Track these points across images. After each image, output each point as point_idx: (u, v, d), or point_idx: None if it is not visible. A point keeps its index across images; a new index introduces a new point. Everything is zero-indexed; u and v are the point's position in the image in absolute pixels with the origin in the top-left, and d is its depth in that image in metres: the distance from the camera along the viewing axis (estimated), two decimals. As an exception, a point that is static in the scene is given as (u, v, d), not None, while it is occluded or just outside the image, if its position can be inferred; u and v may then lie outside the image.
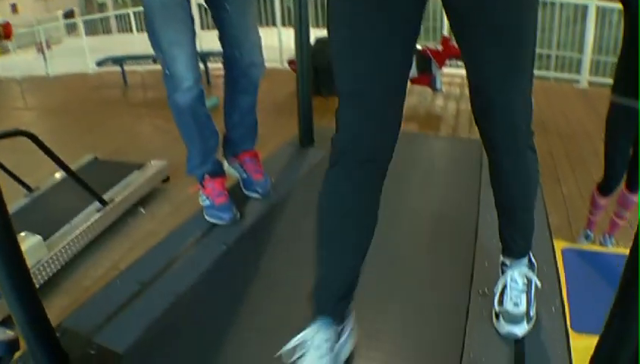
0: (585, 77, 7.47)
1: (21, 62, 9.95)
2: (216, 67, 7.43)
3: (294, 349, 1.32)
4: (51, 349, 1.37)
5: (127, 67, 7.71)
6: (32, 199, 3.96)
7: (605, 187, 3.27)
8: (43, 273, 3.12)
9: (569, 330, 1.55)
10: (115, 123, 6.21)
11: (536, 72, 7.07)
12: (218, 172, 2.24)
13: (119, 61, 7.62)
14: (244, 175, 2.38)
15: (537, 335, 1.50)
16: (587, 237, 3.53)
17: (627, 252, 2.57)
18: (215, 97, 6.82)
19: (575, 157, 4.96)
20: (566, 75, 7.74)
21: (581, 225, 3.66)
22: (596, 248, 3.22)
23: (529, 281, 1.56)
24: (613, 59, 7.32)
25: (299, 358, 1.31)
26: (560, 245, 2.63)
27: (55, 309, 2.70)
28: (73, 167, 3.68)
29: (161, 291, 1.71)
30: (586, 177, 4.51)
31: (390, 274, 1.81)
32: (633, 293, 0.78)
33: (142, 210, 4.13)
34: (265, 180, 2.37)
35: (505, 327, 1.49)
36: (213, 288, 1.76)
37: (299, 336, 1.34)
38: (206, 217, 2.17)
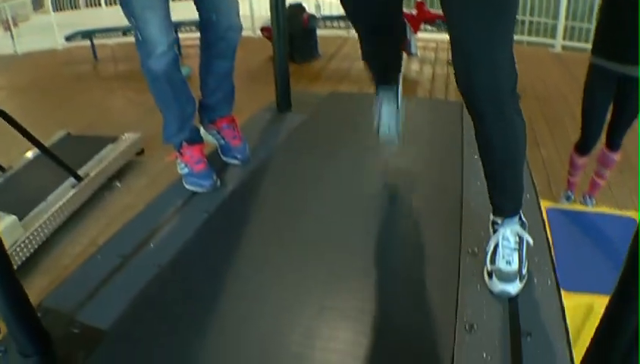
0: (559, 42, 7.50)
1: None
2: (186, 36, 7.33)
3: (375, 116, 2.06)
4: (32, 330, 1.31)
5: (96, 41, 7.54)
6: (5, 178, 3.87)
7: (583, 147, 3.31)
8: (20, 254, 3.06)
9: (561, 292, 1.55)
10: (87, 98, 6.08)
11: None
12: (195, 139, 2.17)
13: (88, 34, 7.44)
14: (222, 142, 2.33)
15: (530, 293, 1.49)
16: (568, 199, 3.57)
17: (610, 211, 2.60)
18: (187, 67, 6.72)
19: (553, 120, 5.00)
20: (540, 39, 7.75)
21: (562, 187, 3.70)
22: (579, 207, 3.25)
23: (521, 239, 1.55)
24: (586, 25, 7.39)
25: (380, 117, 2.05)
26: (544, 205, 2.64)
27: (35, 290, 2.64)
28: (45, 144, 3.60)
29: (143, 263, 1.65)
30: (564, 140, 4.55)
31: (379, 237, 1.79)
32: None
33: (117, 184, 4.07)
34: (244, 145, 2.33)
35: (498, 286, 1.47)
36: (197, 257, 1.72)
37: (376, 103, 2.06)
38: (186, 185, 2.11)
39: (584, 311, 2.09)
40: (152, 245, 1.76)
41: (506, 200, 1.58)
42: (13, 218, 3.06)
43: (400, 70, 2.05)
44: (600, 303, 2.07)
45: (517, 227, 1.56)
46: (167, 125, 2.13)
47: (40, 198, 3.47)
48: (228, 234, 1.84)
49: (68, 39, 7.59)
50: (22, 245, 3.07)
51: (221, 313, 1.47)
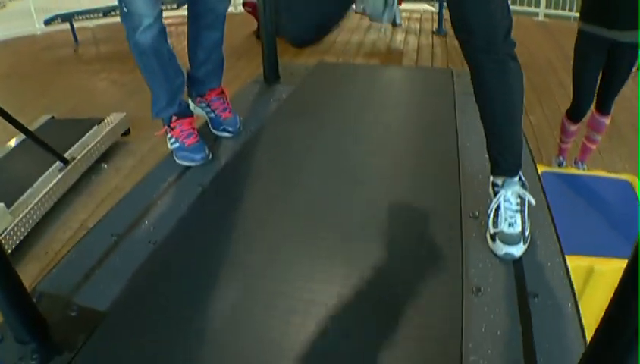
0: (542, 10, 7.49)
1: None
2: (167, 15, 7.22)
3: None
4: (28, 316, 1.27)
5: (76, 24, 7.38)
6: (-11, 166, 3.77)
7: (575, 113, 3.31)
8: (10, 241, 2.99)
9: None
10: (69, 82, 5.97)
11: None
12: (185, 113, 2.14)
13: (68, 17, 7.27)
14: (212, 114, 2.31)
15: (534, 255, 1.49)
16: (560, 165, 3.58)
17: (604, 174, 2.59)
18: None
19: (541, 88, 5.00)
20: (525, 8, 7.72)
21: (552, 153, 3.71)
22: (573, 171, 3.25)
23: (522, 200, 1.54)
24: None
25: None
26: (539, 168, 2.64)
27: (27, 277, 2.57)
28: (30, 128, 3.51)
29: (138, 241, 1.62)
30: (553, 107, 4.56)
31: (376, 205, 1.77)
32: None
33: (104, 166, 4.00)
34: (234, 117, 2.31)
35: (502, 249, 1.46)
36: (193, 231, 1.69)
37: None
38: (177, 160, 2.08)
39: (584, 273, 2.09)
40: (146, 222, 1.72)
41: (505, 154, 1.56)
42: (0, 205, 2.99)
43: None
44: (599, 265, 2.09)
45: (518, 188, 1.55)
46: (155, 100, 2.09)
47: (27, 184, 3.39)
48: (222, 207, 1.81)
49: (47, 22, 7.42)
50: (11, 232, 3.01)
51: (223, 284, 1.45)
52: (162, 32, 1.93)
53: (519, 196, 1.54)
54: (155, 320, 1.34)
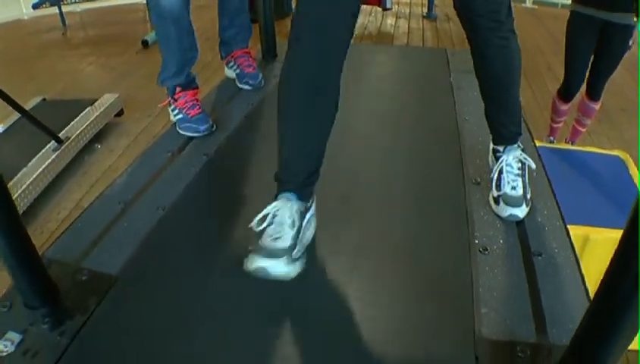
0: (529, -3, 7.57)
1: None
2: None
3: (262, 219, 1.30)
4: (39, 281, 1.27)
5: (64, 8, 7.30)
6: (-17, 147, 3.73)
7: (566, 93, 3.36)
8: (6, 221, 2.97)
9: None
10: (59, 67, 5.91)
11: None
12: (190, 85, 2.17)
13: (56, 1, 7.19)
14: (237, 70, 2.50)
15: (535, 217, 1.54)
16: (551, 144, 3.62)
17: (596, 150, 2.64)
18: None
19: (530, 71, 5.05)
20: (512, -5, 7.77)
21: (542, 133, 3.76)
22: (566, 146, 3.31)
23: (523, 165, 1.58)
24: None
25: (266, 227, 1.29)
26: (535, 144, 2.69)
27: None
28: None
29: (146, 207, 1.63)
30: (542, 89, 4.63)
31: (384, 176, 1.82)
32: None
33: (98, 146, 3.98)
34: (256, 73, 2.49)
35: (506, 210, 1.51)
36: (200, 197, 1.72)
37: (267, 208, 1.32)
38: (180, 131, 2.09)
39: (581, 241, 2.14)
40: (153, 189, 1.73)
41: (506, 122, 1.61)
42: (-5, 185, 2.97)
43: (320, 162, 1.44)
44: (595, 234, 2.14)
45: (519, 153, 1.59)
46: (164, 67, 2.12)
47: (22, 164, 3.36)
48: (228, 175, 1.84)
49: (35, 7, 7.33)
50: (6, 212, 2.99)
51: (226, 250, 1.47)
52: (186, 3, 2.00)
53: (520, 161, 1.59)
54: (166, 282, 1.36)
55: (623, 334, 0.87)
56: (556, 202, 1.62)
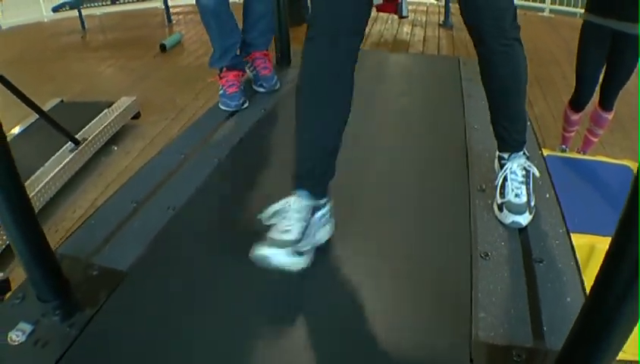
0: (548, 6, 7.52)
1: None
2: (176, 3, 7.37)
3: (273, 214, 1.40)
4: (52, 275, 1.32)
5: (84, 12, 7.41)
6: (0, 148, 3.80)
7: (576, 103, 3.36)
8: (22, 219, 3.02)
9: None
10: (77, 69, 6.00)
11: None
12: (235, 66, 2.48)
13: (76, 4, 7.31)
14: (254, 72, 2.62)
15: (538, 224, 1.55)
16: (562, 152, 3.62)
17: (606, 159, 2.65)
18: (178, 33, 6.67)
19: (545, 81, 5.04)
20: (530, 4, 7.75)
21: (555, 143, 3.75)
22: (576, 155, 3.31)
23: (527, 172, 1.60)
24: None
25: (276, 222, 1.38)
26: (543, 152, 2.69)
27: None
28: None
29: (157, 207, 1.68)
30: (556, 99, 4.61)
31: (390, 179, 1.86)
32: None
33: (114, 147, 4.04)
34: (272, 76, 2.60)
35: (509, 217, 1.52)
36: (210, 199, 1.76)
37: (278, 202, 1.41)
38: (219, 105, 2.42)
39: (586, 250, 2.14)
40: (165, 189, 1.77)
41: (510, 130, 1.62)
42: (12, 183, 3.03)
43: (334, 164, 1.50)
44: (601, 243, 2.15)
45: (523, 161, 1.61)
46: (213, 53, 2.48)
47: (39, 164, 3.42)
48: (238, 178, 1.89)
49: (55, 10, 7.45)
50: (23, 210, 3.05)
51: (234, 250, 1.49)
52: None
53: (525, 169, 1.60)
54: (173, 279, 1.40)
55: (614, 339, 0.89)
56: (560, 210, 1.64)
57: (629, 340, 1.90)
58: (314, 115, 1.45)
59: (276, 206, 1.40)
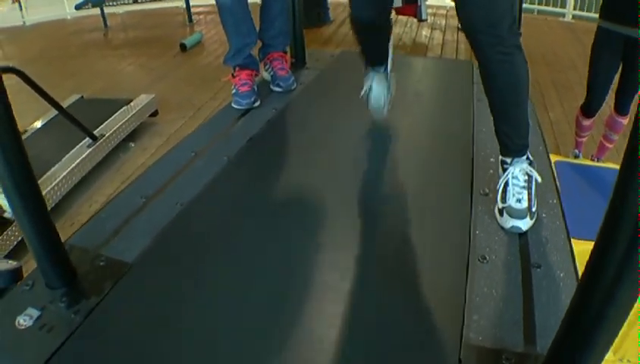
0: (569, 11, 7.45)
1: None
2: (197, 3, 7.42)
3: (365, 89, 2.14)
4: (60, 264, 1.37)
5: (106, 10, 7.53)
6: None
7: (588, 109, 3.35)
8: (38, 211, 3.08)
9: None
10: (98, 66, 6.10)
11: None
12: (248, 66, 2.52)
13: (99, 3, 7.42)
14: (271, 73, 2.65)
15: (539, 231, 1.55)
16: (576, 157, 3.61)
17: (616, 166, 2.63)
18: (198, 33, 6.74)
19: (562, 86, 5.01)
20: (550, 8, 7.70)
21: (569, 149, 3.74)
22: (587, 162, 3.29)
23: (530, 177, 1.60)
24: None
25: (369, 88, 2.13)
26: (553, 158, 2.68)
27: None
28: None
29: (166, 202, 1.72)
30: (572, 104, 4.56)
31: (394, 180, 1.90)
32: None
33: (132, 144, 4.11)
34: (289, 76, 2.63)
35: (509, 222, 1.53)
36: (218, 196, 1.80)
37: (366, 80, 2.17)
38: (232, 104, 2.47)
39: (592, 258, 2.14)
40: (173, 186, 1.82)
41: (512, 136, 1.62)
42: (30, 176, 3.09)
43: (388, 57, 2.19)
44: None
45: (525, 166, 1.61)
46: (228, 50, 2.54)
47: (57, 158, 3.51)
48: (245, 177, 1.92)
49: (78, 7, 7.57)
50: (39, 203, 3.11)
51: (238, 248, 1.53)
52: None
53: (527, 174, 1.60)
54: (176, 272, 1.44)
55: (598, 343, 0.90)
56: (563, 217, 1.63)
57: (629, 345, 1.90)
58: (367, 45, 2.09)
59: (366, 83, 2.16)
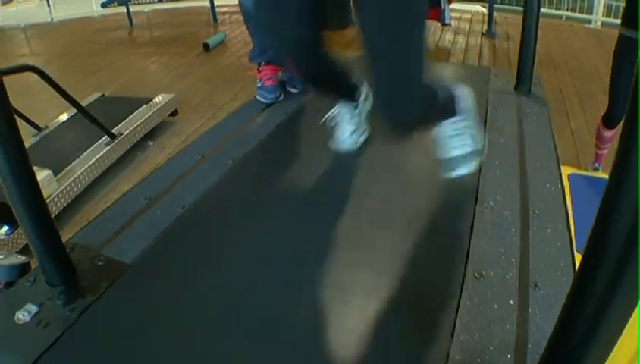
0: (597, 18, 7.32)
1: (24, 11, 9.76)
2: (222, 3, 7.46)
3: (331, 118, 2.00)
4: (60, 262, 1.42)
5: (132, 8, 7.63)
6: (41, 137, 3.96)
7: (609, 120, 3.27)
8: (54, 208, 3.15)
9: (574, 252, 1.55)
10: (121, 63, 6.18)
11: (548, 10, 6.92)
12: (273, 61, 2.61)
13: (124, 1, 7.52)
14: (288, 74, 2.73)
15: (541, 250, 1.51)
16: (595, 170, 3.54)
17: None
18: (222, 33, 6.78)
19: (585, 94, 4.92)
20: (577, 15, 7.57)
21: (590, 159, 3.67)
22: (601, 174, 3.23)
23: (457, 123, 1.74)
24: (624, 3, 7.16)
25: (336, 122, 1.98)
26: (567, 171, 2.64)
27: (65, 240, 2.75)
28: (81, 104, 3.67)
29: (168, 205, 1.74)
30: (595, 113, 4.47)
31: (394, 189, 1.86)
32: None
33: (150, 143, 4.15)
34: None
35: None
36: (219, 200, 1.81)
37: (332, 110, 1.99)
38: (257, 97, 2.58)
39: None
40: (177, 189, 1.84)
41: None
42: (48, 172, 3.14)
43: (356, 88, 1.95)
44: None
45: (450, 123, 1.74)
46: (253, 48, 2.66)
47: (75, 155, 3.56)
48: (249, 181, 1.94)
49: (104, 5, 7.69)
50: (56, 199, 3.17)
51: (237, 252, 1.54)
52: None
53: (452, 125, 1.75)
54: (174, 274, 1.46)
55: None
56: (569, 233, 1.60)
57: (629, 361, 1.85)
58: None
59: (330, 113, 2.01)
